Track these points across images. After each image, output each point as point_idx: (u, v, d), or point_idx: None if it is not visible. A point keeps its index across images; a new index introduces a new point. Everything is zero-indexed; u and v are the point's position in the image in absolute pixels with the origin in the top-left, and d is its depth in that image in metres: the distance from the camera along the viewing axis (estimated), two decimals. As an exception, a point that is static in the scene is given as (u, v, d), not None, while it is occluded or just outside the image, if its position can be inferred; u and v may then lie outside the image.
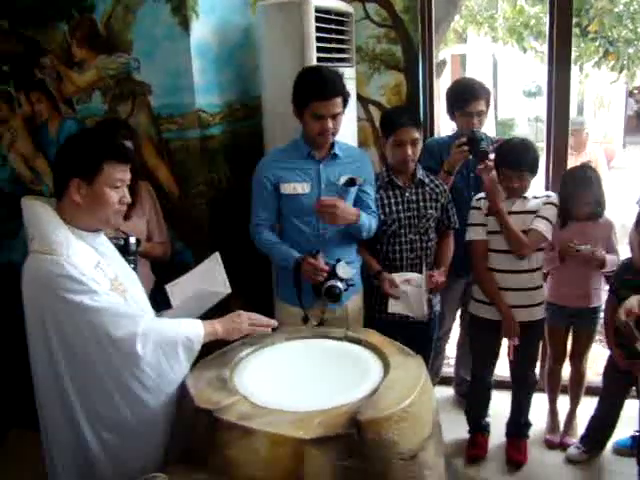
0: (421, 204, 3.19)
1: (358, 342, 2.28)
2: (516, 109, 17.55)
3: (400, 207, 3.17)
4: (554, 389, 3.64)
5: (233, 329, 2.20)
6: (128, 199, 2.15)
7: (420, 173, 3.21)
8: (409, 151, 3.09)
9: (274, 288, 3.29)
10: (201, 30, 3.17)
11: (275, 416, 1.82)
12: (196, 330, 2.12)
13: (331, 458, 1.73)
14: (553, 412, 3.65)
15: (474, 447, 3.53)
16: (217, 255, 2.45)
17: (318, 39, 3.19)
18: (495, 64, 17.59)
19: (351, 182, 2.92)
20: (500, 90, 17.55)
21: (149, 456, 2.09)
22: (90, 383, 2.01)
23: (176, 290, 2.45)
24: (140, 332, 1.99)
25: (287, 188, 2.89)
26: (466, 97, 3.45)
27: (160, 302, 2.56)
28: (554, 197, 3.23)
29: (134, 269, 2.80)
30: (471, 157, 3.32)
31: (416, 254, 3.20)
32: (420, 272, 3.12)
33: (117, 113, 3.34)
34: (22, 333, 2.08)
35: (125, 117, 3.32)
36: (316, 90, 2.77)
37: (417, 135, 3.11)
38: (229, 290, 2.35)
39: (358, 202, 3.02)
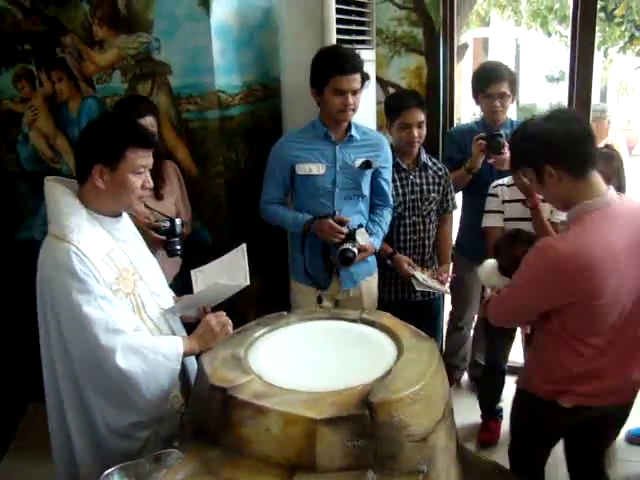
0: (424, 187, 3.25)
1: (372, 324, 2.28)
2: (538, 94, 17.37)
3: (406, 190, 3.23)
4: None
5: (207, 342, 2.19)
6: (150, 184, 2.16)
7: (424, 156, 3.26)
8: (415, 133, 3.15)
9: (290, 269, 3.31)
10: (222, 11, 3.17)
11: (288, 396, 1.84)
12: (176, 351, 2.13)
13: (343, 438, 1.75)
14: None
15: (486, 432, 3.54)
16: (243, 247, 2.44)
17: (338, 21, 3.18)
18: (518, 48, 17.41)
19: (366, 165, 2.93)
20: (522, 75, 17.37)
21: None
22: (76, 369, 2.06)
23: (200, 277, 2.47)
24: (119, 348, 2.00)
25: (302, 169, 2.91)
26: (488, 79, 3.42)
27: (181, 287, 2.60)
28: None
29: (179, 251, 2.85)
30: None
31: (419, 236, 3.28)
32: (423, 254, 3.30)
33: (137, 92, 3.35)
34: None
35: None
36: (336, 65, 2.79)
37: (423, 117, 3.17)
38: (247, 283, 2.35)
39: (375, 191, 3.03)
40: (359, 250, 2.85)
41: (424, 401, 1.85)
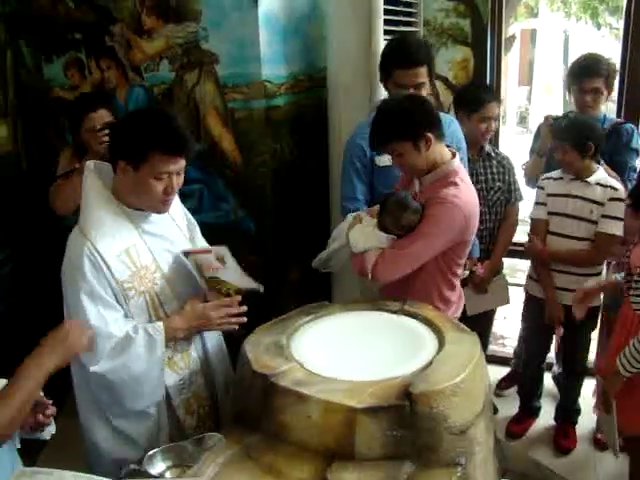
0: (489, 176, 3.28)
1: (414, 316, 2.28)
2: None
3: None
4: None
5: (199, 323, 2.15)
6: (174, 189, 2.07)
7: (487, 147, 3.29)
8: (493, 126, 3.23)
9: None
10: (269, 1, 3.18)
11: (329, 384, 1.85)
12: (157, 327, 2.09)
13: (382, 428, 1.75)
14: None
15: (515, 424, 3.56)
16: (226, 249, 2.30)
17: (386, 11, 3.18)
18: (566, 40, 17.08)
19: None
20: (571, 67, 17.03)
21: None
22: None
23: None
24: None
25: (381, 160, 2.84)
26: (583, 73, 3.33)
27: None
28: (621, 191, 3.04)
29: None
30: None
31: (485, 226, 3.28)
32: (489, 244, 3.32)
33: (184, 81, 3.38)
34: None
35: (191, 86, 3.37)
36: (399, 58, 2.73)
37: (498, 111, 3.26)
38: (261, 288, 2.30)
39: None
40: None
41: (464, 394, 1.85)
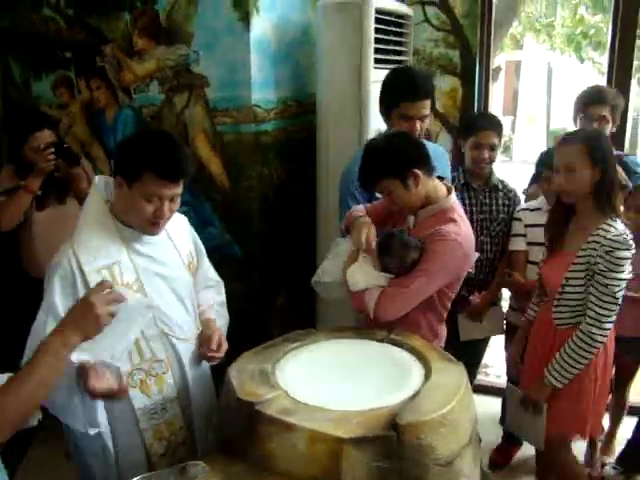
0: (494, 208, 3.29)
1: (400, 345, 2.27)
2: (569, 119, 17.25)
3: (474, 208, 3.27)
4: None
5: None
6: (164, 214, 2.05)
7: (495, 178, 3.30)
8: (486, 154, 3.19)
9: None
10: (261, 26, 3.20)
11: (315, 413, 1.83)
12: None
13: (368, 458, 1.73)
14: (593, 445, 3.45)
15: (499, 453, 3.54)
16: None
17: (377, 40, 3.20)
18: (550, 72, 17.34)
19: None
20: (554, 99, 17.29)
21: None
22: None
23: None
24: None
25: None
26: (590, 101, 3.36)
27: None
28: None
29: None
30: None
31: (486, 256, 3.29)
32: (488, 275, 3.30)
33: (173, 103, 3.40)
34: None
35: (181, 108, 3.38)
36: (408, 91, 2.73)
37: (495, 141, 3.22)
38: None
39: None
40: None
41: (451, 425, 1.84)
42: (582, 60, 10.54)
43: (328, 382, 2.06)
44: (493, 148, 3.22)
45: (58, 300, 1.99)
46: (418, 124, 2.77)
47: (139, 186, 1.99)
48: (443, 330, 2.61)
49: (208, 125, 3.33)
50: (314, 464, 1.76)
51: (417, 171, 2.35)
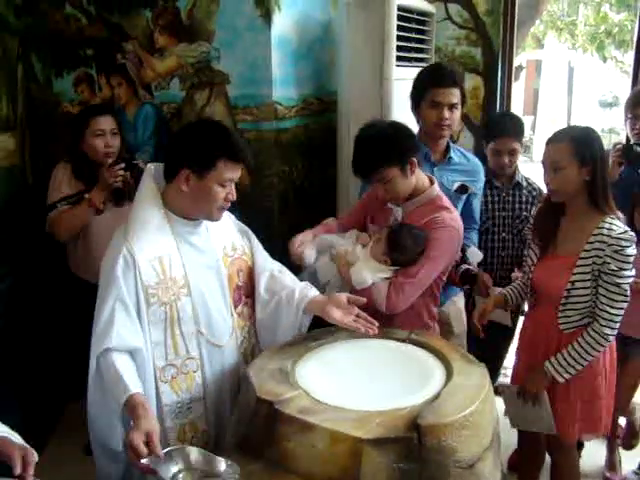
0: (517, 205, 3.29)
1: (421, 345, 2.25)
2: (590, 119, 17.11)
3: (496, 206, 3.28)
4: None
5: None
6: (233, 197, 2.16)
7: (519, 176, 3.30)
8: (506, 160, 3.19)
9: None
10: (282, 23, 3.19)
11: (335, 413, 1.82)
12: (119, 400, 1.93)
13: (389, 459, 1.72)
14: (612, 449, 3.41)
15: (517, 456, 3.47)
16: None
17: (398, 38, 3.18)
18: (571, 71, 17.19)
19: (463, 189, 2.91)
20: (575, 99, 17.15)
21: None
22: None
23: None
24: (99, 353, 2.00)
25: None
26: (638, 100, 3.30)
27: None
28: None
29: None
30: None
31: (507, 253, 3.31)
32: (510, 272, 3.29)
33: (194, 101, 3.39)
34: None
35: (201, 105, 3.38)
36: (436, 77, 2.80)
37: (515, 146, 3.19)
38: None
39: (463, 214, 2.96)
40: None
41: (473, 427, 1.81)
42: (605, 59, 10.40)
43: (348, 382, 2.05)
44: (513, 153, 3.20)
45: (127, 294, 2.03)
46: (447, 112, 2.78)
47: (213, 174, 2.07)
48: (436, 312, 2.72)
49: (229, 122, 3.31)
50: (333, 464, 1.74)
51: (414, 158, 2.42)
